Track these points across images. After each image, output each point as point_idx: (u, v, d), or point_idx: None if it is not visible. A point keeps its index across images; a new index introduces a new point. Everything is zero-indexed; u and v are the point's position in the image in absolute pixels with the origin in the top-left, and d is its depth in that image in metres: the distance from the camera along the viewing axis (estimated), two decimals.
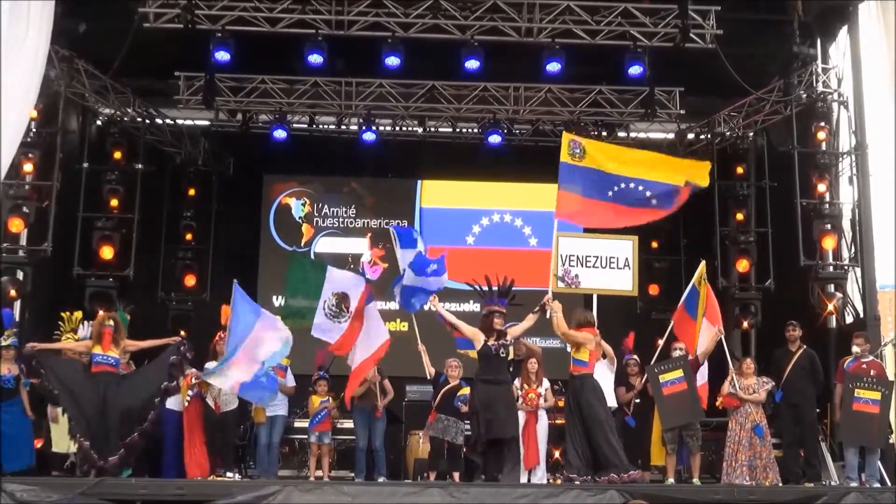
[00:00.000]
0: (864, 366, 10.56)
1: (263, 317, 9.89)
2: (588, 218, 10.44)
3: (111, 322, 9.44)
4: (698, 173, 10.22)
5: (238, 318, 9.72)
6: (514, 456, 9.46)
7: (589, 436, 9.35)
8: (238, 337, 9.66)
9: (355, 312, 10.32)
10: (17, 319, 11.22)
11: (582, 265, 10.19)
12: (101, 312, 10.57)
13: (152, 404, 9.29)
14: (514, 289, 9.93)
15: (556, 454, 11.19)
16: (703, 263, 10.60)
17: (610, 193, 10.05)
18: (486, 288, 9.84)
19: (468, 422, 10.40)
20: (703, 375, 10.71)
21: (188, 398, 10.05)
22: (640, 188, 10.03)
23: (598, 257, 10.23)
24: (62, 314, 10.39)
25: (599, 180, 10.04)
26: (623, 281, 10.39)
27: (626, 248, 10.37)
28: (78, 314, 10.43)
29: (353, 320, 10.31)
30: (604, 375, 10.38)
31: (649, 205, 10.08)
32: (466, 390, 10.25)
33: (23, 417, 9.79)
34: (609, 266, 10.22)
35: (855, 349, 10.68)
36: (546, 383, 10.66)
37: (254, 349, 9.67)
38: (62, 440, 9.81)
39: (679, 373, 10.05)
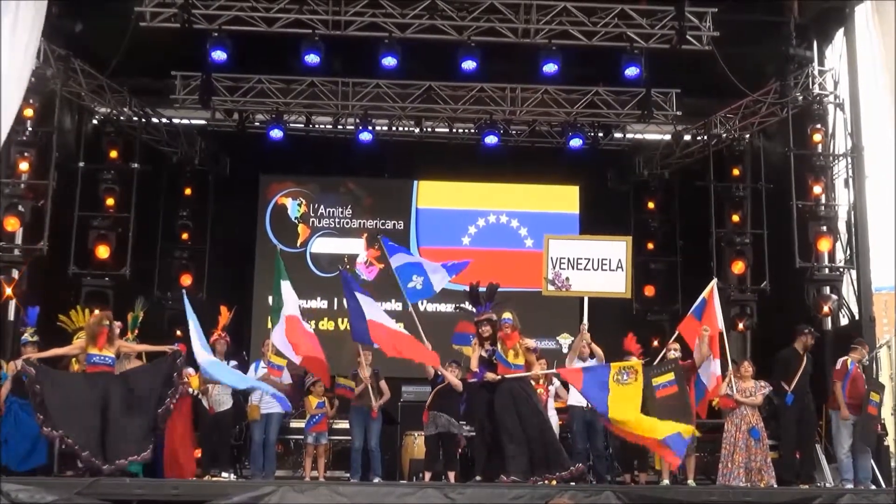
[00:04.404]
0: (859, 370, 10.64)
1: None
2: None
3: (107, 322, 9.42)
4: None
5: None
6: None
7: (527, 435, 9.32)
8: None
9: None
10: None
11: (573, 268, 10.09)
12: (96, 312, 10.52)
13: (157, 415, 9.24)
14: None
15: None
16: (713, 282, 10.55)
17: None
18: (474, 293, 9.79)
19: (463, 423, 10.45)
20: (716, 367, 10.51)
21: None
22: None
23: (589, 259, 10.11)
24: (76, 308, 10.33)
25: None
26: (616, 283, 10.27)
27: (619, 249, 10.28)
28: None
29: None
30: None
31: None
32: None
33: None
34: (601, 268, 10.13)
35: (859, 357, 10.74)
36: (556, 381, 10.63)
37: None
38: None
39: (671, 376, 9.93)
